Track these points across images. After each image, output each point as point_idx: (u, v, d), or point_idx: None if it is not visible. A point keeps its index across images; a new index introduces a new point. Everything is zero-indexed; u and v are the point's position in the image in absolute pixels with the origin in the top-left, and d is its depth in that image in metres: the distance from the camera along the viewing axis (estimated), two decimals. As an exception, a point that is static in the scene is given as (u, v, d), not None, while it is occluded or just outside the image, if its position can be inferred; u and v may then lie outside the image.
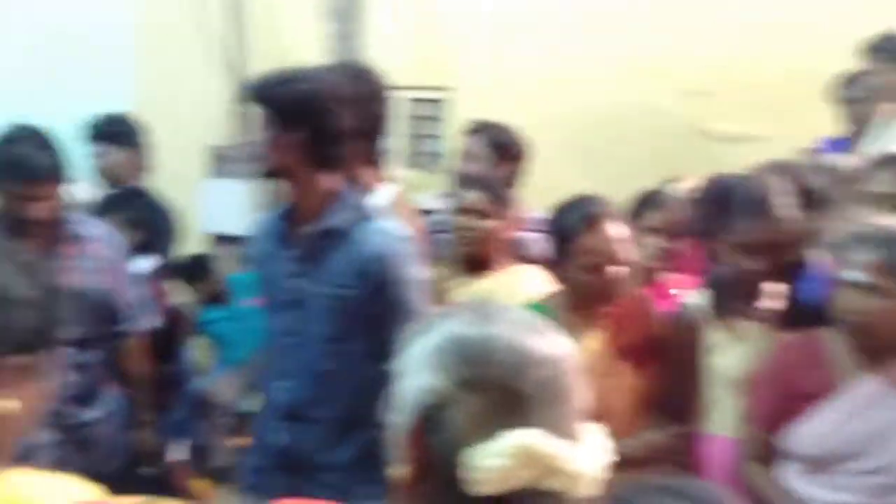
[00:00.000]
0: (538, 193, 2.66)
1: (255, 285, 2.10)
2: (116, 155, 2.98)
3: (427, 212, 3.92)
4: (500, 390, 0.71)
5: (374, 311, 1.75)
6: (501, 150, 2.59)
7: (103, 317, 2.16)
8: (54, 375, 0.92)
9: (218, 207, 4.20)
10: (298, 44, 4.19)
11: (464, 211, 2.22)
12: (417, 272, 1.83)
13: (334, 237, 1.76)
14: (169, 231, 2.98)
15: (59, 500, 0.87)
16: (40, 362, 0.88)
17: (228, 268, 3.96)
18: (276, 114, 1.71)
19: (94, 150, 2.99)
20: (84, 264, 2.15)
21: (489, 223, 2.18)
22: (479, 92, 3.94)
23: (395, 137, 4.22)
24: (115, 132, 3.00)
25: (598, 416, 0.77)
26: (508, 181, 2.50)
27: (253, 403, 2.13)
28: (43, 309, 0.90)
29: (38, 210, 1.99)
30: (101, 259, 2.17)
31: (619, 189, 2.52)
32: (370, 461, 1.65)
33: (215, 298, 3.54)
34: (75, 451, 2.04)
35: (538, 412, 0.71)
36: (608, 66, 3.68)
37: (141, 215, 2.78)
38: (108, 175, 2.99)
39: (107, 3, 4.57)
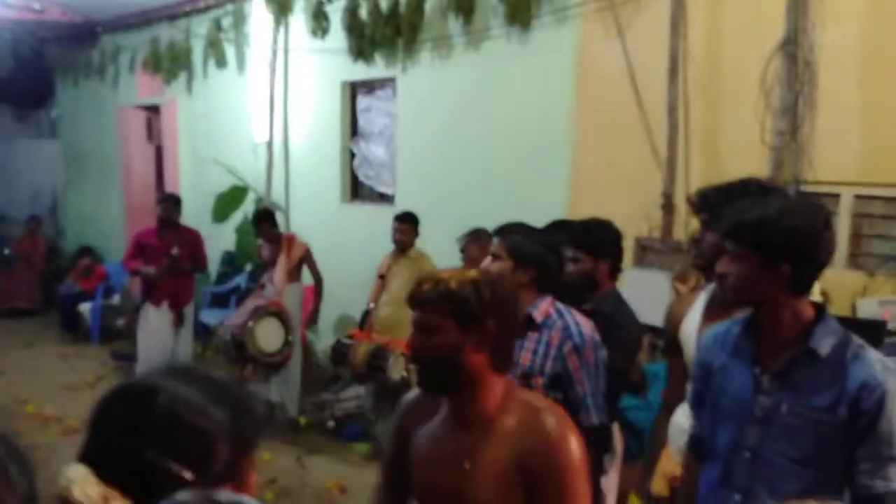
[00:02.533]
0: None
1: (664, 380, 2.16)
2: (587, 263, 3.03)
3: (868, 321, 3.54)
4: None
5: (849, 441, 1.74)
6: None
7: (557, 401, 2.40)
8: None
9: (640, 297, 4.31)
10: (737, 139, 4.19)
11: None
12: None
13: (816, 360, 1.78)
14: (635, 336, 3.03)
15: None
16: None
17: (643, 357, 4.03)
18: (758, 253, 1.76)
19: (570, 255, 3.01)
20: (537, 347, 2.48)
21: None
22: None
23: (838, 236, 3.96)
24: (589, 242, 3.06)
25: None
26: None
27: None
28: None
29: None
30: (554, 346, 2.46)
31: None
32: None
33: (633, 387, 3.61)
34: None
35: None
36: None
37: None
38: (576, 280, 3.03)
39: (546, 99, 5.10)
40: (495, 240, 2.64)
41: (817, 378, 1.76)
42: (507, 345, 1.70)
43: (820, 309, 1.83)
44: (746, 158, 4.05)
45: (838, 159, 3.87)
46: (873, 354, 1.78)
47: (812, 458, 1.77)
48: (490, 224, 4.85)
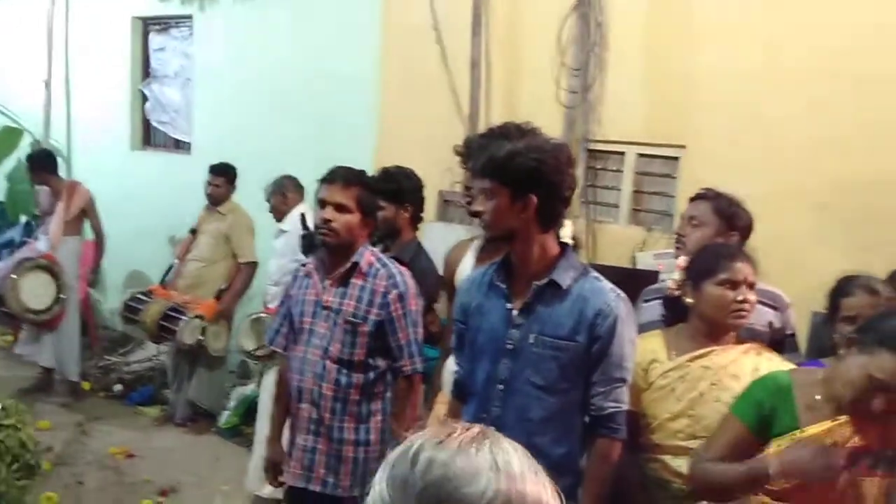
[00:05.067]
0: (777, 266, 2.47)
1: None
2: (388, 210, 3.06)
3: (644, 271, 3.80)
4: None
5: (589, 364, 1.87)
6: (730, 219, 2.51)
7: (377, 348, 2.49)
8: None
9: (442, 250, 4.34)
10: (534, 96, 4.30)
11: (738, 283, 2.10)
12: (634, 331, 1.96)
13: (559, 292, 1.88)
14: (434, 286, 3.06)
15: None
16: None
17: (445, 311, 4.08)
18: (508, 185, 1.82)
19: None
20: (361, 294, 2.49)
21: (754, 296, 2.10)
22: (715, 153, 3.76)
23: (622, 192, 4.20)
24: (391, 190, 3.09)
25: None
26: None
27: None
28: None
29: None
30: (379, 294, 2.50)
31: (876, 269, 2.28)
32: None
33: (431, 338, 3.65)
34: None
35: None
36: (874, 129, 3.32)
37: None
38: (378, 228, 3.01)
39: (353, 48, 4.97)
40: (323, 186, 2.55)
41: (560, 308, 1.87)
42: None
43: (564, 246, 1.94)
44: (542, 115, 4.09)
45: (624, 119, 4.08)
46: (607, 284, 1.91)
47: (554, 386, 1.88)
48: (293, 174, 4.73)
